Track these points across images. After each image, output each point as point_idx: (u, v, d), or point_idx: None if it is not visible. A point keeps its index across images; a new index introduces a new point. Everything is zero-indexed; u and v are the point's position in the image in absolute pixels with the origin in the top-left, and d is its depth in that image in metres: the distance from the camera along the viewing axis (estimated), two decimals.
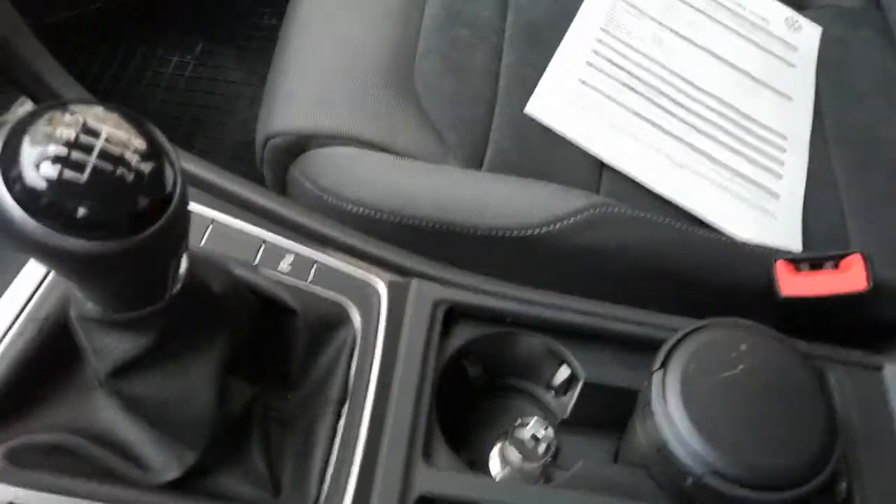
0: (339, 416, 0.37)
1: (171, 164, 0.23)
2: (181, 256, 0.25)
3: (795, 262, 0.46)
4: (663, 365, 0.39)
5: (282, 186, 0.51)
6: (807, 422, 0.37)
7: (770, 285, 0.47)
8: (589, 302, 0.43)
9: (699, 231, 0.48)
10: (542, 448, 0.45)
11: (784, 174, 0.63)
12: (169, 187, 0.23)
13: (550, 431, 0.46)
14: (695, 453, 0.36)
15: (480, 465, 0.46)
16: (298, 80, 0.51)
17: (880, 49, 0.72)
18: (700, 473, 0.36)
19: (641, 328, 0.44)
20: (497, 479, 0.42)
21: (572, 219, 0.45)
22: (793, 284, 0.46)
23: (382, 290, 0.40)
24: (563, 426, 0.46)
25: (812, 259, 0.47)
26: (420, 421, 0.38)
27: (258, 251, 0.39)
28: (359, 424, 0.36)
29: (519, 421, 0.46)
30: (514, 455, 0.45)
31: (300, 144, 0.49)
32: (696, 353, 0.39)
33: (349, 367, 0.38)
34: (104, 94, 0.85)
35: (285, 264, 0.39)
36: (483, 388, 0.47)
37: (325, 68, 0.52)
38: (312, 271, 0.40)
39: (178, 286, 0.26)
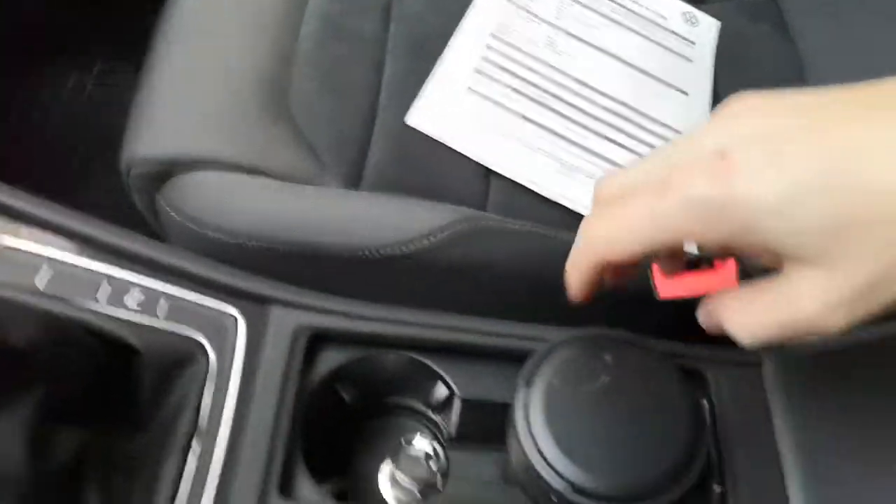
0: (187, 452, 0.35)
1: None
2: None
3: None
4: (527, 382, 0.38)
5: (154, 214, 0.50)
6: (671, 429, 0.37)
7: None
8: (459, 318, 0.42)
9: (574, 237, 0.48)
10: (428, 466, 0.45)
11: None
12: None
13: (437, 448, 0.45)
14: (556, 471, 0.35)
15: (371, 490, 0.45)
16: (161, 101, 0.49)
17: (777, 43, 0.72)
18: (562, 491, 0.35)
19: (516, 341, 0.43)
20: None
21: (440, 234, 0.44)
22: (669, 286, 0.46)
23: (239, 319, 0.39)
24: (453, 443, 0.45)
25: (687, 260, 0.46)
26: (277, 453, 0.36)
27: (100, 288, 0.38)
28: (209, 460, 0.35)
29: (404, 438, 0.45)
30: (401, 475, 0.44)
31: (164, 171, 0.47)
32: (560, 368, 0.38)
33: (200, 401, 0.36)
34: None
35: (131, 300, 0.38)
36: (365, 410, 0.46)
37: (192, 87, 0.50)
38: (161, 305, 0.38)
39: None
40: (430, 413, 0.46)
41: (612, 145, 0.62)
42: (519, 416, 0.37)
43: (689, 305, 0.48)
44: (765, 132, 0.28)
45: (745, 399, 0.44)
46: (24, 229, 0.38)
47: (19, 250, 0.37)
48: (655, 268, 0.45)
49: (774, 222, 0.27)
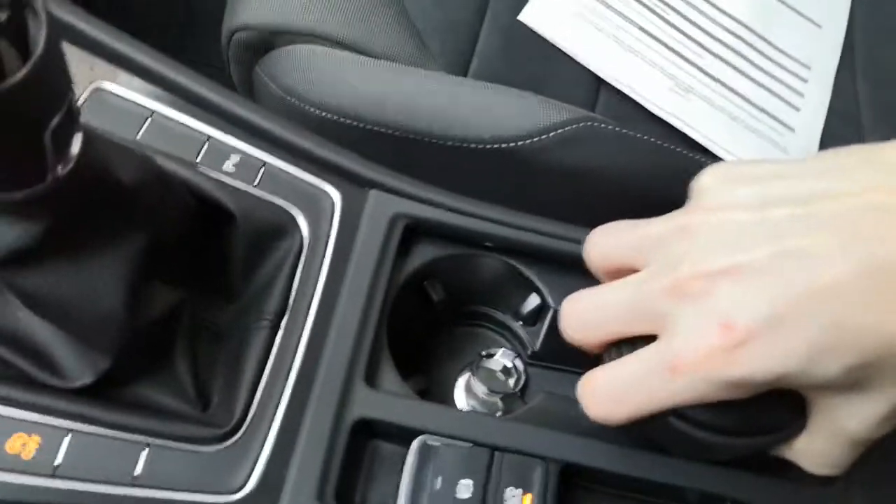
0: (276, 329, 0.34)
1: (35, 15, 0.20)
2: (58, 127, 0.22)
3: None
4: None
5: (249, 87, 0.48)
6: None
7: None
8: (564, 225, 0.39)
9: (694, 156, 0.44)
10: (507, 380, 0.43)
11: (802, 107, 0.59)
12: (31, 38, 0.20)
13: (519, 363, 0.44)
14: None
15: (445, 397, 0.44)
16: None
17: None
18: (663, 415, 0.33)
19: None
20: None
21: (553, 133, 0.41)
22: None
23: (336, 198, 0.37)
24: (535, 359, 0.44)
25: None
26: (365, 341, 0.35)
27: (202, 149, 0.36)
28: (298, 340, 0.34)
29: (485, 352, 0.44)
30: (478, 387, 0.43)
31: (267, 41, 0.45)
32: None
33: (292, 278, 0.35)
34: None
35: (230, 164, 0.36)
36: (448, 316, 0.44)
37: None
38: (260, 174, 0.36)
39: (68, 167, 0.23)
40: (516, 326, 0.44)
41: (729, 69, 0.58)
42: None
43: None
44: (763, 280, 0.27)
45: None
46: (127, 77, 0.36)
47: (124, 99, 0.36)
48: None
49: (795, 381, 0.28)
